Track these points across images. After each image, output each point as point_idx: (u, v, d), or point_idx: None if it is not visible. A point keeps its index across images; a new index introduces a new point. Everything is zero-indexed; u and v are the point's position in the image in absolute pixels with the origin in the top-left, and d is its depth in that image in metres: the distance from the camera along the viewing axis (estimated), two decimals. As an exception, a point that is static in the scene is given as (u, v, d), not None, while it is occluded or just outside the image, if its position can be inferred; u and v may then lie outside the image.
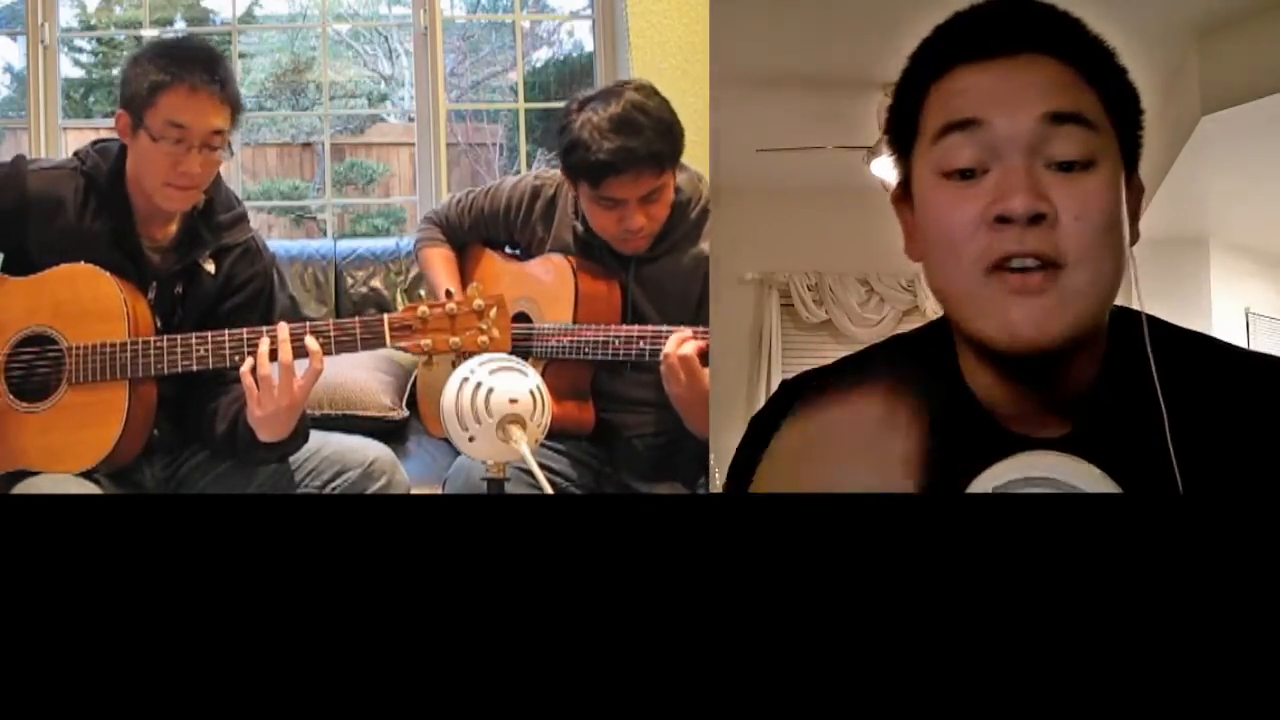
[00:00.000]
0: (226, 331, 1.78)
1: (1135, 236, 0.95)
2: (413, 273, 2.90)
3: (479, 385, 1.47)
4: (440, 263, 2.24)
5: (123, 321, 1.80)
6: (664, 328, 1.91)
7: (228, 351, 1.77)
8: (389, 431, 2.53)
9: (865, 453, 1.00)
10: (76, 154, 1.90)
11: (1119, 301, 0.96)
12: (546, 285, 2.07)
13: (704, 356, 1.85)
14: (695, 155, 2.09)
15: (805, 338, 4.70)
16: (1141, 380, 0.94)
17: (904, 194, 1.01)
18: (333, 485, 1.91)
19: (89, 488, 1.77)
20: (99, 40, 4.39)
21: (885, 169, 3.55)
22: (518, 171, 3.55)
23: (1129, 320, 0.97)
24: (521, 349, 1.91)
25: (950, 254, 0.94)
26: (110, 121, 1.95)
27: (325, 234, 3.88)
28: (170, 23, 4.16)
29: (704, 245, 2.02)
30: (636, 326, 1.96)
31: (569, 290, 2.03)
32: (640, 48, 3.15)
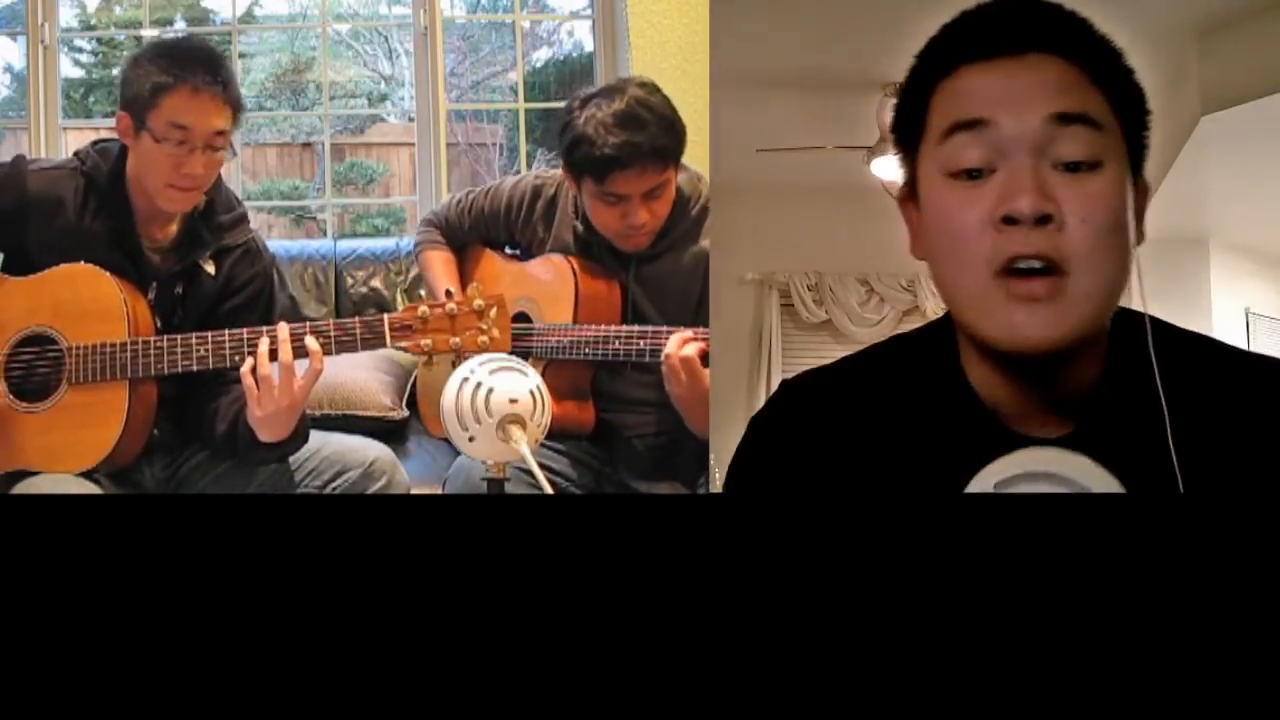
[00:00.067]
0: (226, 332, 1.78)
1: (1140, 237, 0.95)
2: (413, 273, 2.90)
3: (479, 385, 1.47)
4: (440, 264, 2.24)
5: (123, 321, 1.80)
6: (664, 328, 1.92)
7: (228, 351, 1.77)
8: (389, 431, 2.52)
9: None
10: (76, 154, 1.90)
11: (1121, 302, 0.96)
12: (547, 285, 2.07)
13: (705, 357, 1.85)
14: (695, 155, 2.09)
15: (805, 338, 4.71)
16: (1143, 381, 0.94)
17: (910, 193, 1.00)
18: (333, 485, 1.91)
19: (89, 488, 1.77)
20: (99, 40, 4.38)
21: (885, 169, 3.57)
22: (518, 171, 3.55)
23: (1130, 321, 0.97)
24: (521, 349, 1.91)
25: (956, 254, 0.94)
26: (110, 121, 1.95)
27: (325, 234, 3.88)
28: (170, 23, 4.15)
29: (704, 243, 2.03)
30: (637, 326, 1.96)
31: (569, 290, 2.03)
32: (640, 48, 3.15)
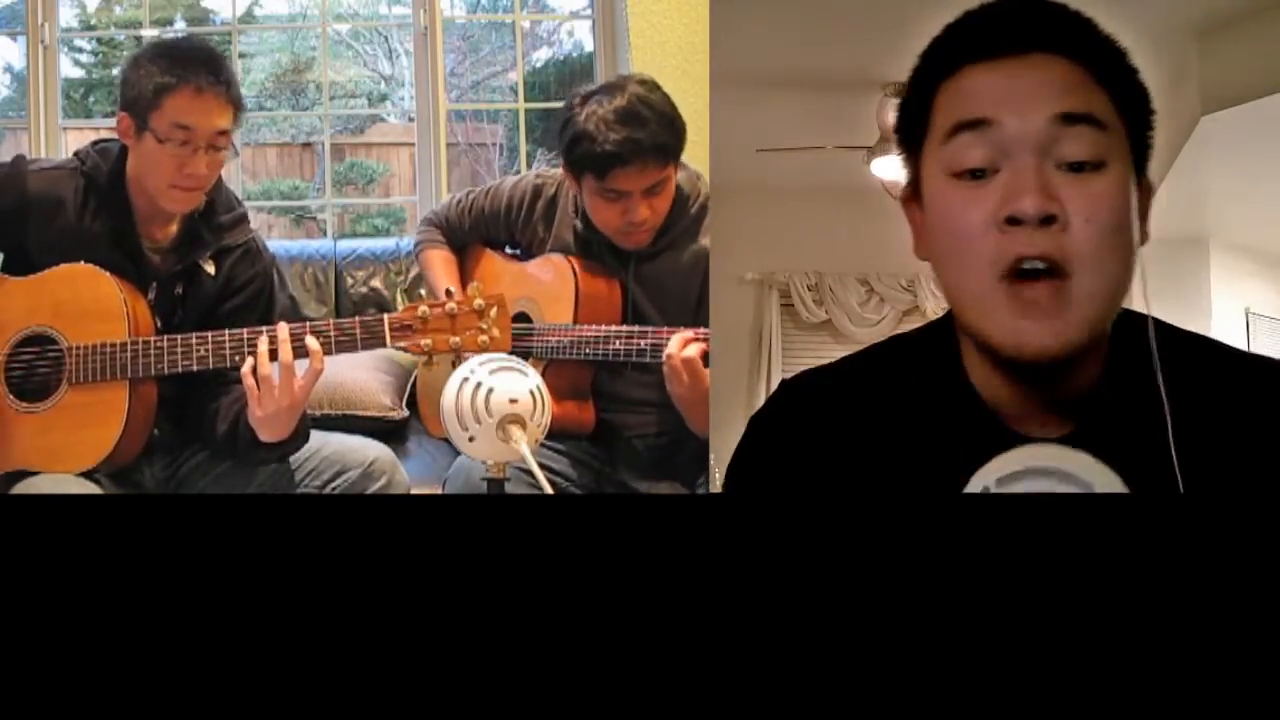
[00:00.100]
0: (227, 331, 1.78)
1: (1145, 238, 0.95)
2: (413, 273, 2.90)
3: (479, 385, 1.47)
4: (440, 264, 2.24)
5: (123, 321, 1.80)
6: (665, 328, 1.92)
7: (228, 351, 1.77)
8: (389, 431, 2.52)
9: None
10: (76, 154, 1.90)
11: (1123, 303, 0.96)
12: (547, 285, 2.07)
13: (705, 357, 1.85)
14: (695, 155, 2.09)
15: (805, 338, 4.71)
16: (1144, 381, 0.94)
17: (913, 193, 1.00)
18: (333, 485, 1.91)
19: (89, 488, 1.77)
20: (99, 40, 4.38)
21: (885, 169, 3.57)
22: (518, 171, 3.55)
23: (1131, 321, 0.97)
24: (522, 349, 1.91)
25: (960, 255, 0.94)
26: (110, 121, 1.95)
27: (325, 234, 3.88)
28: (170, 23, 4.15)
29: (704, 241, 2.03)
30: (637, 327, 1.96)
31: (569, 290, 2.03)
32: (640, 48, 3.15)
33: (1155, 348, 0.94)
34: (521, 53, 4.11)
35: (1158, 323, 0.98)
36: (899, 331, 1.09)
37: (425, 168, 3.41)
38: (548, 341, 2.02)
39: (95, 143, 1.91)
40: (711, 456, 2.02)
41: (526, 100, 3.98)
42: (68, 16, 3.66)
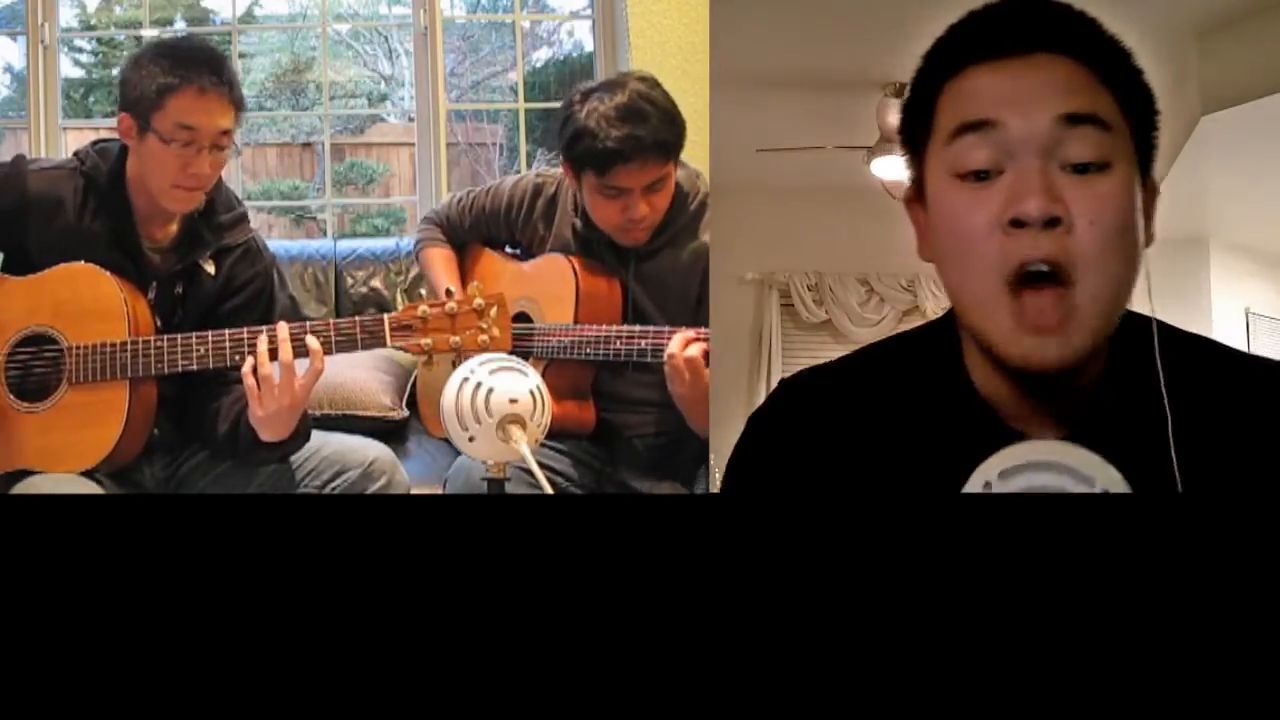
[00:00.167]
0: (227, 331, 1.78)
1: (1150, 239, 0.95)
2: (413, 273, 2.90)
3: (479, 385, 1.47)
4: (441, 263, 2.24)
5: (123, 321, 1.80)
6: (665, 328, 1.92)
7: (228, 351, 1.77)
8: (389, 431, 2.53)
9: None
10: (76, 154, 1.90)
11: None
12: (547, 285, 2.07)
13: (707, 357, 1.85)
14: (695, 154, 2.09)
15: (805, 337, 4.70)
16: (1144, 382, 0.94)
17: (917, 194, 1.00)
18: (333, 485, 1.91)
19: (89, 487, 1.77)
20: (99, 40, 4.38)
21: (885, 169, 3.57)
22: (518, 171, 3.55)
23: (1132, 322, 0.97)
24: (522, 349, 1.91)
25: (964, 257, 0.93)
26: (110, 121, 1.95)
27: (325, 234, 3.88)
28: (170, 23, 4.15)
29: (704, 238, 2.03)
30: (638, 326, 1.96)
31: (570, 290, 2.03)
32: (640, 48, 3.16)
33: (1158, 350, 0.94)
34: (521, 53, 4.11)
35: (1159, 324, 0.98)
36: (899, 331, 1.09)
37: (425, 168, 3.41)
38: (548, 341, 2.02)
39: (95, 143, 1.91)
40: (711, 456, 2.02)
41: (526, 100, 3.98)
42: (68, 16, 3.66)
